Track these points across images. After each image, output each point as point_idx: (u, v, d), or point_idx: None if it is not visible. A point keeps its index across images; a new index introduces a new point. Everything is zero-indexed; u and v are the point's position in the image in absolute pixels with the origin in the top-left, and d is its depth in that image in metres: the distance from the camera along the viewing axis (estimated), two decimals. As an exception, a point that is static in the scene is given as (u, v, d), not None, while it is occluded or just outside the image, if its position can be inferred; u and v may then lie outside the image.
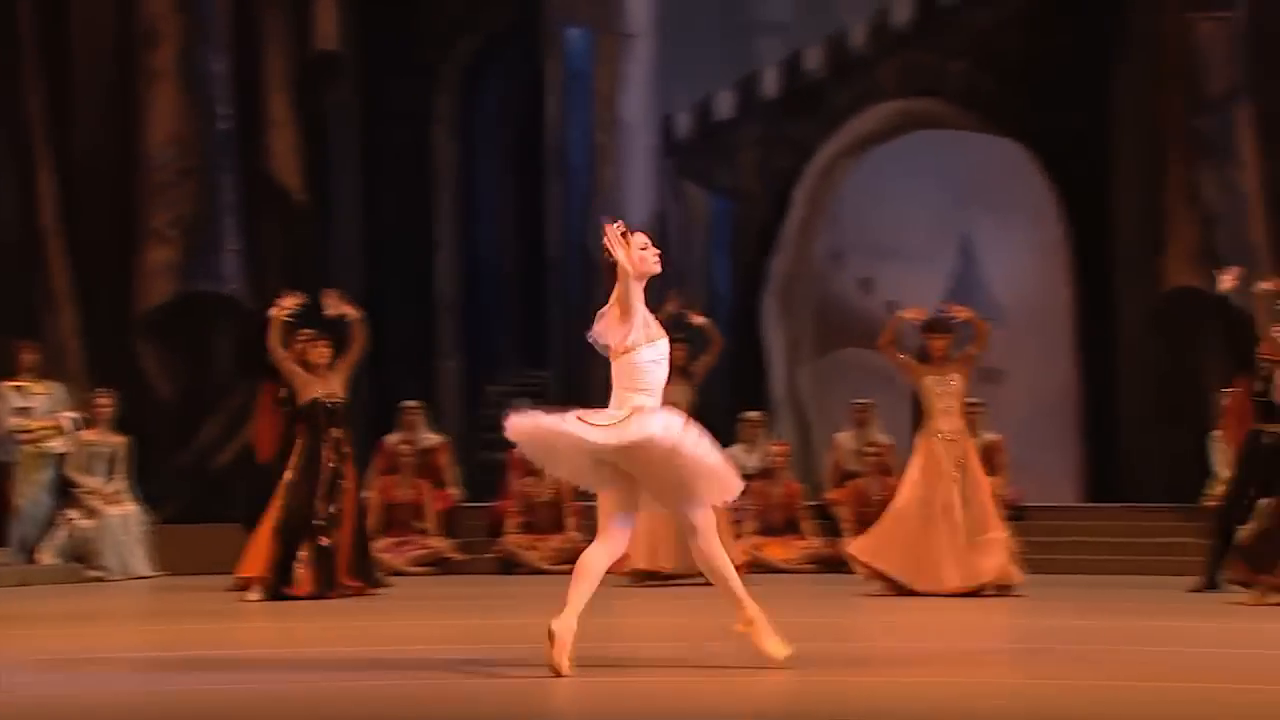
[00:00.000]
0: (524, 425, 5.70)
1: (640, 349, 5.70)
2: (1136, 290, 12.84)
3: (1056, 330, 13.76)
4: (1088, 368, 13.53)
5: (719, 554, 5.69)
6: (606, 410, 5.66)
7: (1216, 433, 10.71)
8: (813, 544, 11.07)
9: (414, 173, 13.90)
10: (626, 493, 5.68)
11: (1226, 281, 8.81)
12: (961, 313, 9.16)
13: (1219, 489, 10.05)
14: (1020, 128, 13.67)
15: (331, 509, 8.82)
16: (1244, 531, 8.81)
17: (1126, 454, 12.92)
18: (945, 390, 8.98)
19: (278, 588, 8.75)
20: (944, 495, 8.75)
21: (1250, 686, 5.41)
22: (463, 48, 14.24)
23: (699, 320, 9.89)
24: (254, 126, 12.11)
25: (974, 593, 8.64)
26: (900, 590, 8.70)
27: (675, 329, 8.50)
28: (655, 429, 5.57)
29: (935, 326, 9.03)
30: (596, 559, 5.67)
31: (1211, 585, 8.94)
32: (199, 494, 11.81)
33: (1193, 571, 9.47)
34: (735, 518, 11.22)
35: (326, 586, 8.75)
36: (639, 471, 5.63)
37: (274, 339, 8.92)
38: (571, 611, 5.57)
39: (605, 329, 5.76)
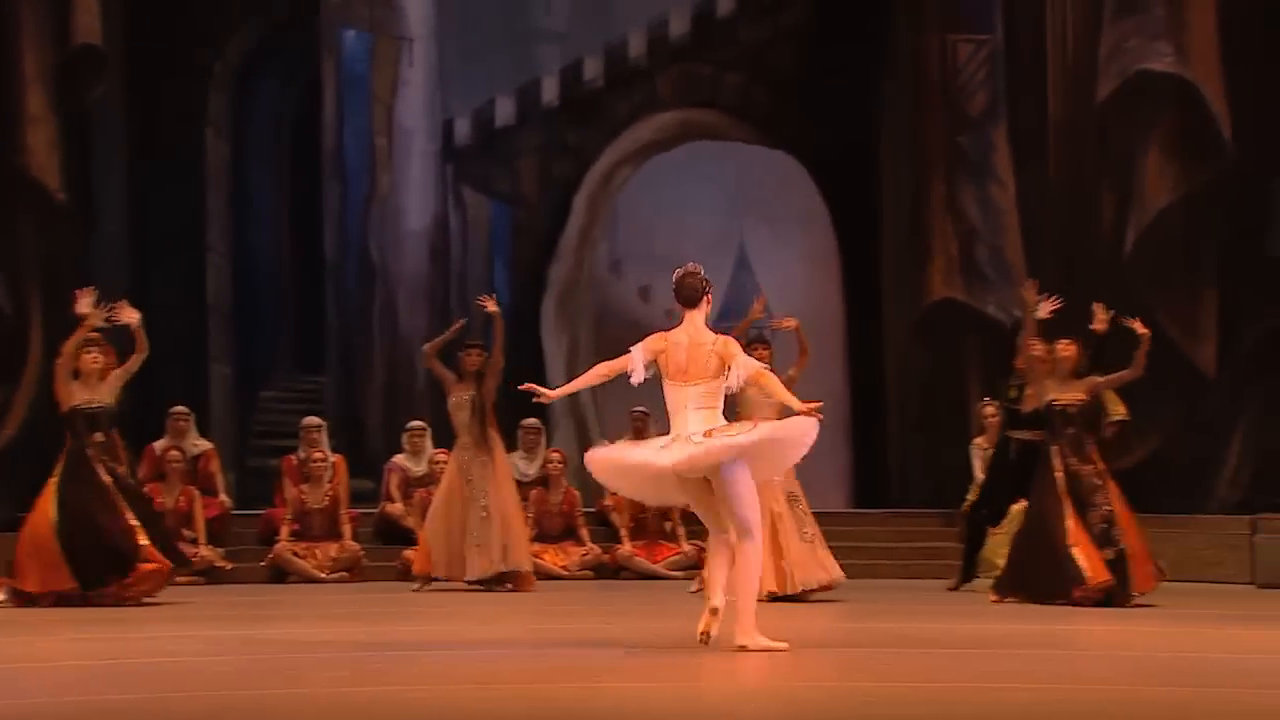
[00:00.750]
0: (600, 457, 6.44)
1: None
2: (903, 301, 13.31)
3: (828, 339, 14.13)
4: (857, 376, 13.95)
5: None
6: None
7: (978, 440, 11.17)
8: (591, 550, 11.16)
9: (185, 173, 13.56)
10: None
11: (1044, 309, 9.16)
12: (789, 323, 9.46)
13: (975, 493, 10.52)
14: (794, 140, 14.04)
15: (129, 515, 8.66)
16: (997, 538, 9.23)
17: (893, 461, 13.36)
18: (767, 401, 9.20)
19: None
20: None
21: (1003, 685, 5.66)
22: (236, 47, 13.96)
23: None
24: (8, 121, 11.62)
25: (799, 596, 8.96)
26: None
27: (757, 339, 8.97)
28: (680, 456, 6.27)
29: (756, 340, 9.34)
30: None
31: (966, 580, 9.39)
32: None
33: (954, 573, 9.88)
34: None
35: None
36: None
37: (69, 346, 8.82)
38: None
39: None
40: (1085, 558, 8.50)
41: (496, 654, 6.59)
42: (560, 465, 11.37)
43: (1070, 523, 8.58)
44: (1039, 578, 8.61)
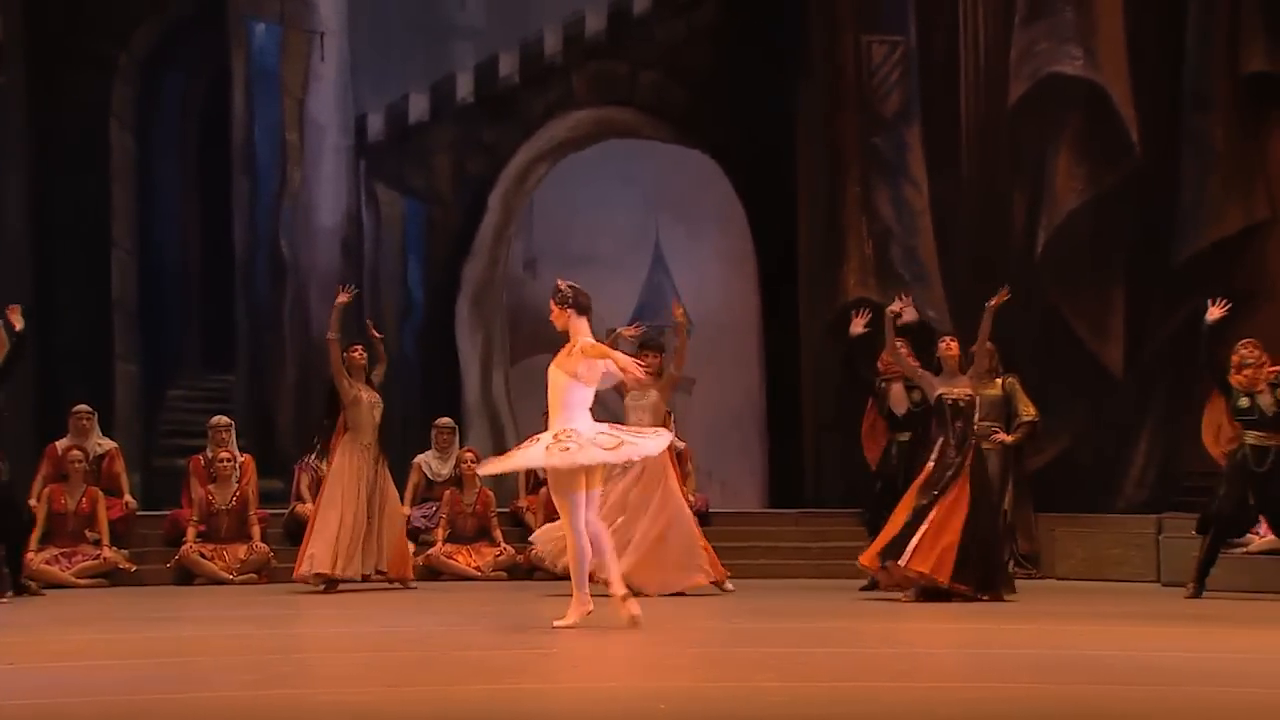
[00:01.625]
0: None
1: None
2: (818, 301, 13.42)
3: (744, 339, 14.24)
4: (772, 376, 14.06)
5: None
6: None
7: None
8: (505, 551, 11.17)
9: (89, 167, 13.37)
10: None
11: (896, 307, 9.42)
12: (677, 311, 9.67)
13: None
14: (710, 139, 14.11)
15: None
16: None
17: (807, 460, 13.48)
18: (639, 405, 9.43)
19: None
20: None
21: (911, 685, 5.76)
22: (141, 38, 13.78)
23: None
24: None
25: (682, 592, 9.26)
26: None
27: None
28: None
29: (647, 344, 9.69)
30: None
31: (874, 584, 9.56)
32: None
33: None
34: (426, 525, 11.26)
35: None
36: None
37: None
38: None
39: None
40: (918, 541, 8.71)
41: (407, 656, 6.59)
42: (474, 465, 11.36)
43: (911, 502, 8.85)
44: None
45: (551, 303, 7.32)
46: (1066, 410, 11.31)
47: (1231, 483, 9.11)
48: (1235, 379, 9.19)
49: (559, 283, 7.35)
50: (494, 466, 7.71)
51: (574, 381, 7.18)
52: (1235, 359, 9.17)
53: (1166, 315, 11.49)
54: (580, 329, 7.25)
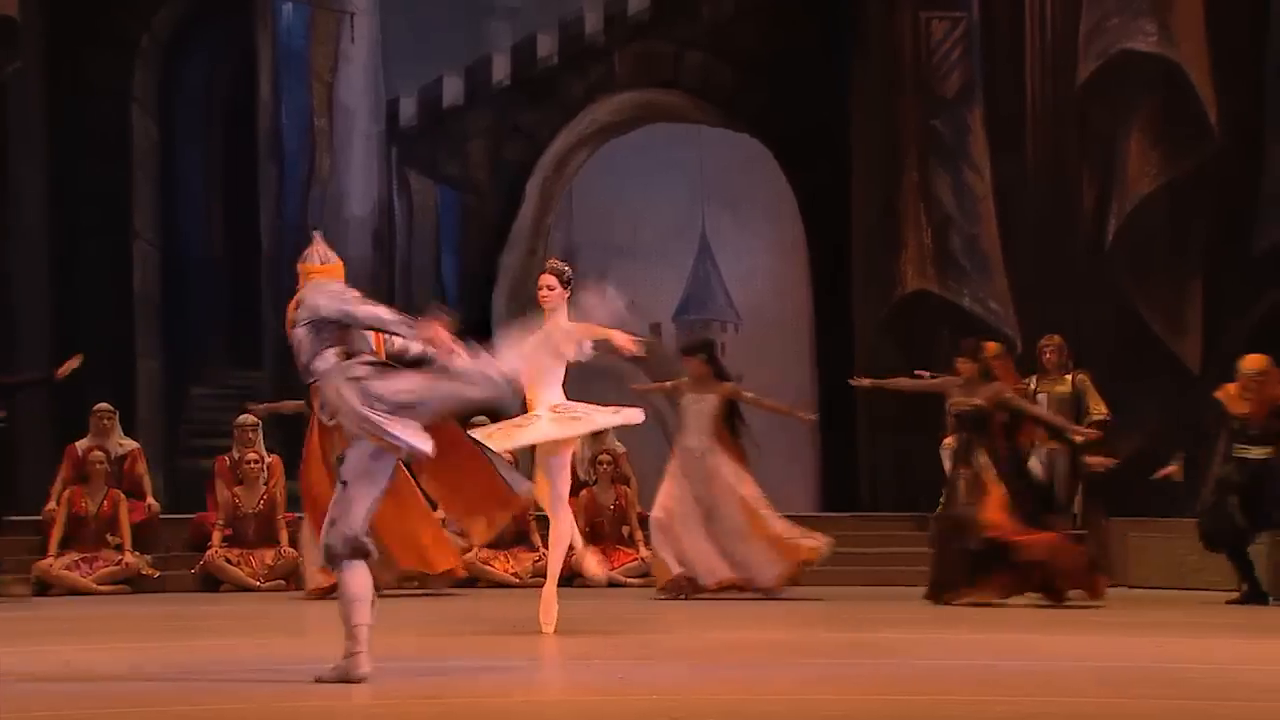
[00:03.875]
0: None
1: None
2: (873, 292, 13.32)
3: (794, 332, 14.16)
4: (825, 371, 13.95)
5: None
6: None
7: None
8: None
9: (109, 153, 13.42)
10: None
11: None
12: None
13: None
14: (759, 123, 14.02)
15: None
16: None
17: (862, 462, 13.37)
18: (695, 409, 9.86)
19: None
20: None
21: (981, 698, 5.68)
22: (164, 19, 13.82)
23: None
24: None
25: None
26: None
27: None
28: None
29: (689, 350, 10.19)
30: None
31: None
32: None
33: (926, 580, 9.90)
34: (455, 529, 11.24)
35: None
36: None
37: None
38: None
39: None
40: None
41: (443, 667, 6.56)
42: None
43: None
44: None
45: (554, 279, 7.72)
46: (1140, 408, 11.17)
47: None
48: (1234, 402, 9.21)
49: (561, 263, 7.80)
50: (502, 442, 7.58)
51: (559, 362, 7.64)
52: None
53: (1246, 307, 11.32)
54: (564, 312, 7.68)
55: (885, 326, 13.11)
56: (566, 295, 7.65)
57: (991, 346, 9.63)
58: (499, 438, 7.58)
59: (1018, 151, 12.50)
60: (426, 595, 10.07)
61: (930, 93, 12.75)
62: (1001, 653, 7.17)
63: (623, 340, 7.54)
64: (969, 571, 9.01)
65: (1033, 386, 10.36)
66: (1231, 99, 11.36)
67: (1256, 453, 9.21)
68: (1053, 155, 12.33)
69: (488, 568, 10.97)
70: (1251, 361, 9.30)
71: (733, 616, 8.90)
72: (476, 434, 7.44)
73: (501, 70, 14.23)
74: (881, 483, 13.06)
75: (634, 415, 7.82)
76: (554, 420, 7.54)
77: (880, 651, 7.17)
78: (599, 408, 7.75)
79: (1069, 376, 10.12)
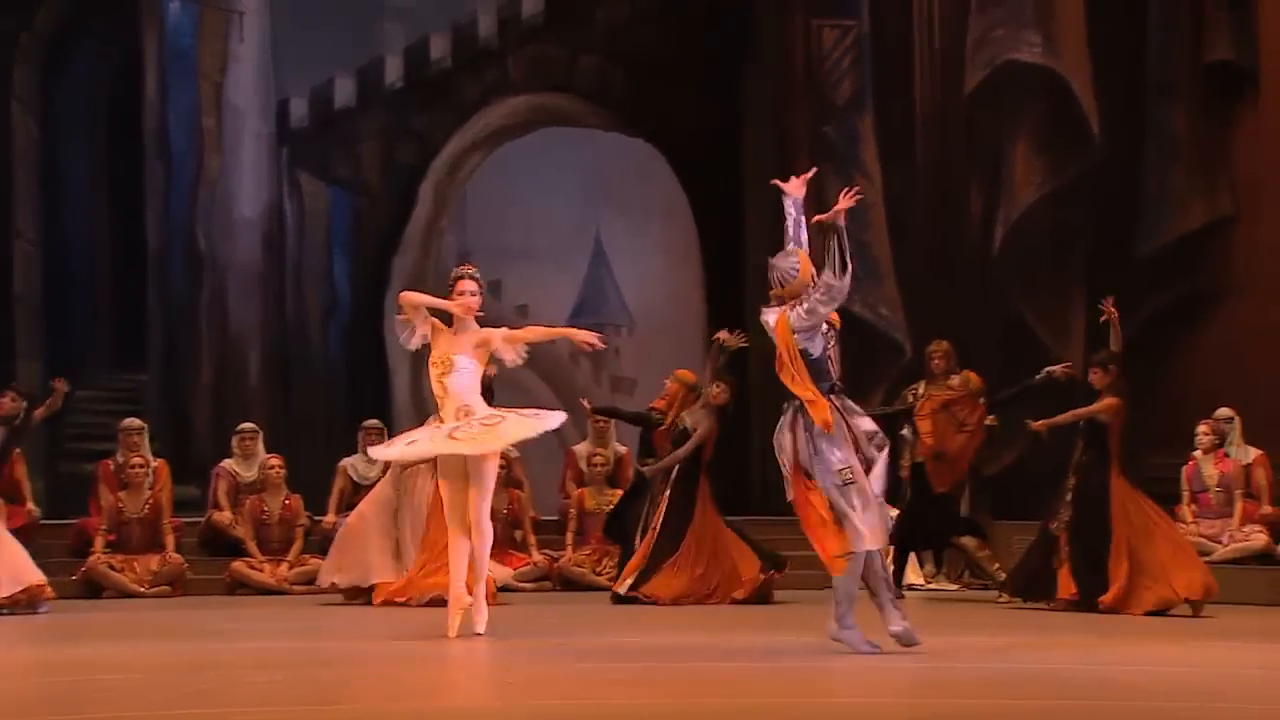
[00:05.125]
0: None
1: None
2: (767, 298, 13.41)
3: (688, 336, 14.24)
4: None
5: None
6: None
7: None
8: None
9: (-12, 152, 13.20)
10: None
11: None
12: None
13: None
14: (653, 128, 14.11)
15: None
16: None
17: (754, 468, 13.49)
18: None
19: None
20: None
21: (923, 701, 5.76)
22: (45, 15, 13.60)
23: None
24: None
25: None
26: None
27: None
28: None
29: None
30: None
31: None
32: None
33: (813, 584, 10.02)
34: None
35: None
36: None
37: None
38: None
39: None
40: None
41: (331, 674, 6.54)
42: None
43: None
44: None
45: (476, 285, 7.61)
46: (1025, 413, 11.37)
47: None
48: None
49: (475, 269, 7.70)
50: (486, 442, 7.51)
51: (487, 369, 7.69)
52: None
53: (1128, 314, 11.56)
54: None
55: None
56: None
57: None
58: (475, 440, 7.45)
59: (907, 159, 12.70)
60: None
61: (822, 99, 12.91)
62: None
63: (583, 336, 7.58)
64: None
65: (920, 391, 10.52)
66: (1112, 108, 11.62)
67: None
68: (941, 163, 12.54)
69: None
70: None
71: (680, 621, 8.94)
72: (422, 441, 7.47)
73: (394, 72, 14.19)
74: (773, 486, 13.16)
75: (561, 417, 7.79)
76: (520, 421, 7.48)
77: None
78: (535, 411, 7.67)
79: (955, 380, 10.28)
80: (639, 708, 5.52)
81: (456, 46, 14.22)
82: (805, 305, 6.74)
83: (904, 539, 10.12)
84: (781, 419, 6.80)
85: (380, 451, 8.40)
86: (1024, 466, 11.55)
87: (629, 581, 9.76)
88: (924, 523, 10.15)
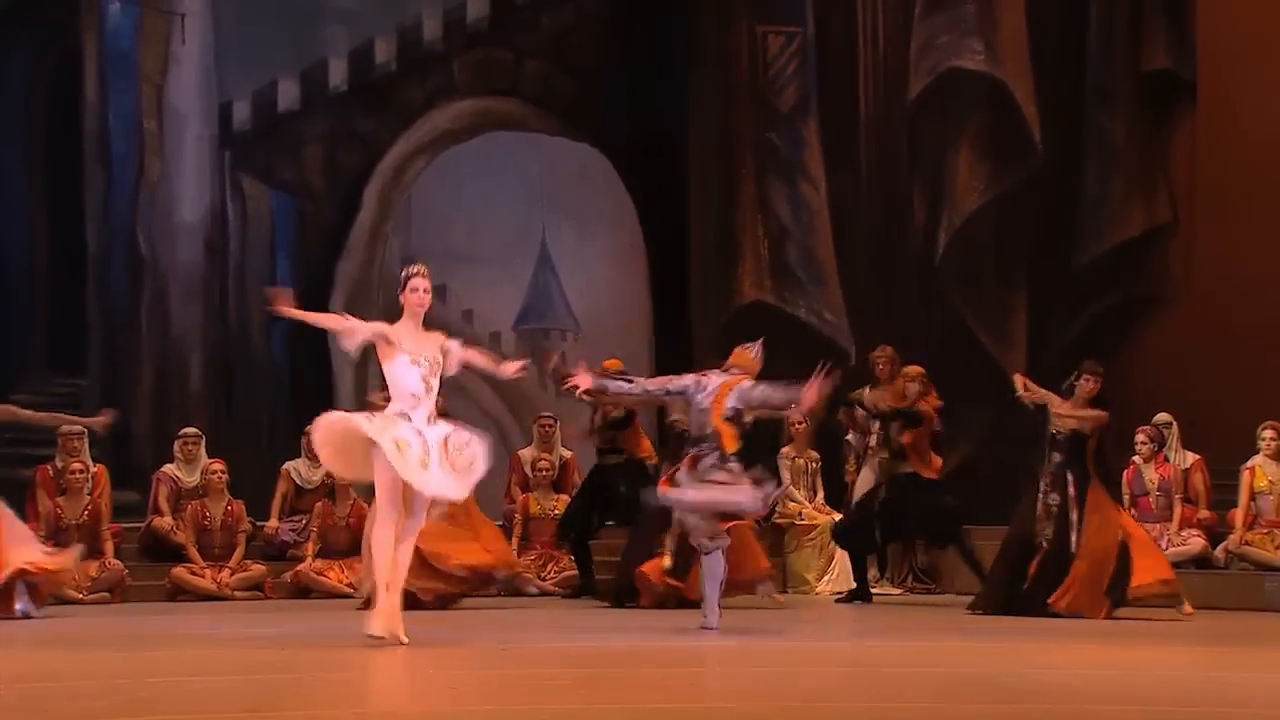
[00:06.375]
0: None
1: None
2: (711, 302, 13.50)
3: (634, 343, 14.27)
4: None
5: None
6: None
7: (785, 449, 11.42)
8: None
9: (-79, 151, 13.06)
10: None
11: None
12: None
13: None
14: (598, 132, 14.14)
15: None
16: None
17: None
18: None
19: None
20: None
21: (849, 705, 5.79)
22: (-21, 15, 13.50)
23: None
24: None
25: None
26: None
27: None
28: None
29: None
30: None
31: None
32: None
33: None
34: (296, 539, 11.14)
35: None
36: None
37: None
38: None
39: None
40: None
41: (270, 679, 6.51)
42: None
43: None
44: None
45: (429, 283, 7.61)
46: (968, 419, 11.47)
47: None
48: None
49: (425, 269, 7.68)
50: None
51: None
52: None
53: (1068, 320, 11.72)
54: None
55: (723, 337, 13.29)
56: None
57: (915, 369, 9.90)
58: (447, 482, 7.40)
59: (852, 165, 12.78)
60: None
61: (766, 106, 12.97)
62: (850, 660, 7.32)
63: (511, 371, 7.72)
64: None
65: (865, 396, 10.59)
66: (1053, 116, 11.75)
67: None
68: (885, 170, 12.62)
69: (322, 578, 10.89)
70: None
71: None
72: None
73: (338, 75, 14.14)
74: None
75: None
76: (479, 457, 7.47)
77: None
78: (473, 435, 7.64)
79: (910, 389, 10.34)
80: (590, 713, 5.54)
81: (401, 50, 14.20)
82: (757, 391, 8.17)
83: (860, 542, 10.18)
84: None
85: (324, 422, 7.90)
86: (967, 470, 11.65)
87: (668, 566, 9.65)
88: (901, 512, 10.07)
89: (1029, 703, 5.73)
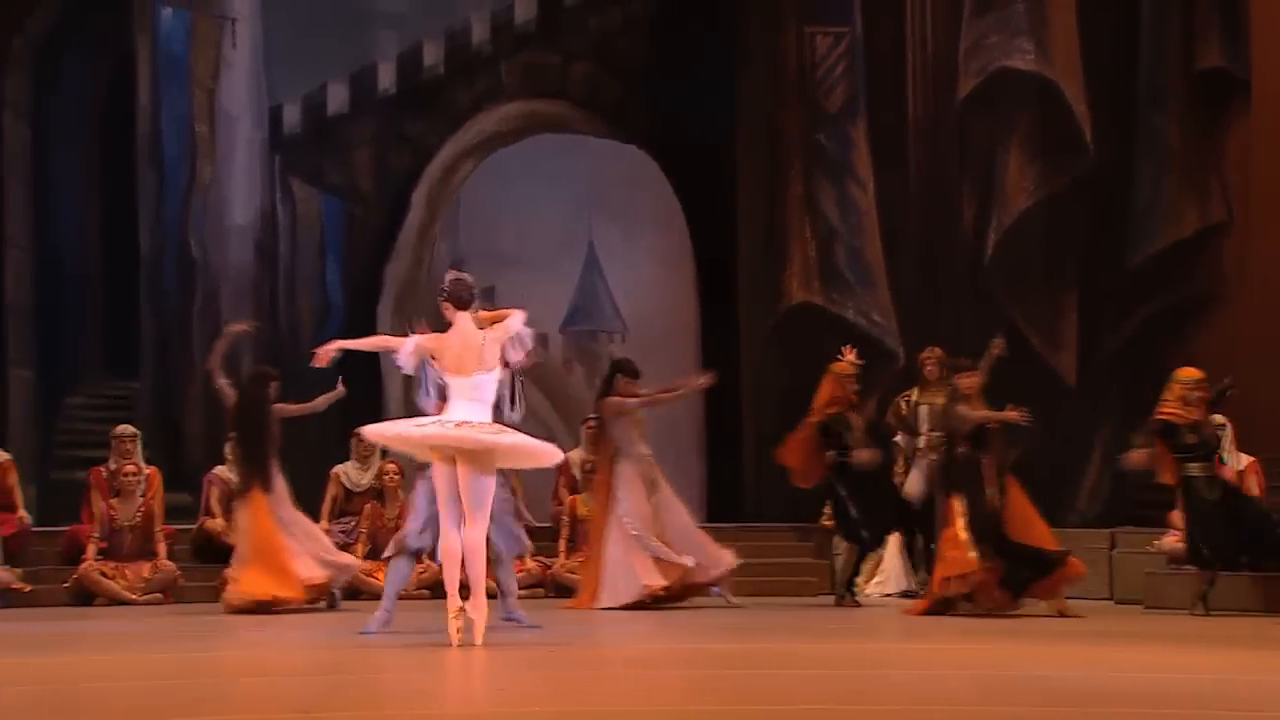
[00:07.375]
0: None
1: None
2: (759, 304, 13.48)
3: (681, 345, 14.27)
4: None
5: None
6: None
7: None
8: (429, 568, 11.09)
9: (-22, 159, 13.21)
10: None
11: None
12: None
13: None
14: (646, 134, 14.14)
15: None
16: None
17: (748, 473, 13.51)
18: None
19: None
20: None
21: (847, 707, 5.80)
22: (38, 21, 13.63)
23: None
24: None
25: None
26: None
27: None
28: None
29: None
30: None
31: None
32: None
33: (810, 590, 10.07)
34: (346, 541, 11.20)
35: None
36: None
37: None
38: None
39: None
40: None
41: (317, 680, 6.55)
42: (396, 477, 11.30)
43: None
44: None
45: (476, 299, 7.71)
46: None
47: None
48: (1175, 411, 9.36)
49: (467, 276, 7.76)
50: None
51: None
52: (1179, 391, 9.34)
53: (1120, 321, 11.63)
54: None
55: (770, 339, 13.27)
56: (470, 310, 7.61)
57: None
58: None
59: (900, 166, 12.73)
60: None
61: (814, 107, 12.94)
62: (885, 662, 7.31)
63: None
64: None
65: (914, 398, 10.55)
66: (1104, 116, 11.67)
67: (1198, 469, 9.35)
68: (934, 170, 12.57)
69: (372, 580, 10.93)
70: (1189, 372, 9.48)
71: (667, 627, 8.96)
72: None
73: (387, 78, 14.22)
74: (766, 493, 13.21)
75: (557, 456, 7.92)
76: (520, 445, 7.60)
77: (776, 662, 7.28)
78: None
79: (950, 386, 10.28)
80: (641, 714, 5.55)
81: (449, 53, 14.25)
82: None
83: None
84: None
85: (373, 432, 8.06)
86: (1017, 472, 11.57)
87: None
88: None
89: (1067, 706, 5.70)
